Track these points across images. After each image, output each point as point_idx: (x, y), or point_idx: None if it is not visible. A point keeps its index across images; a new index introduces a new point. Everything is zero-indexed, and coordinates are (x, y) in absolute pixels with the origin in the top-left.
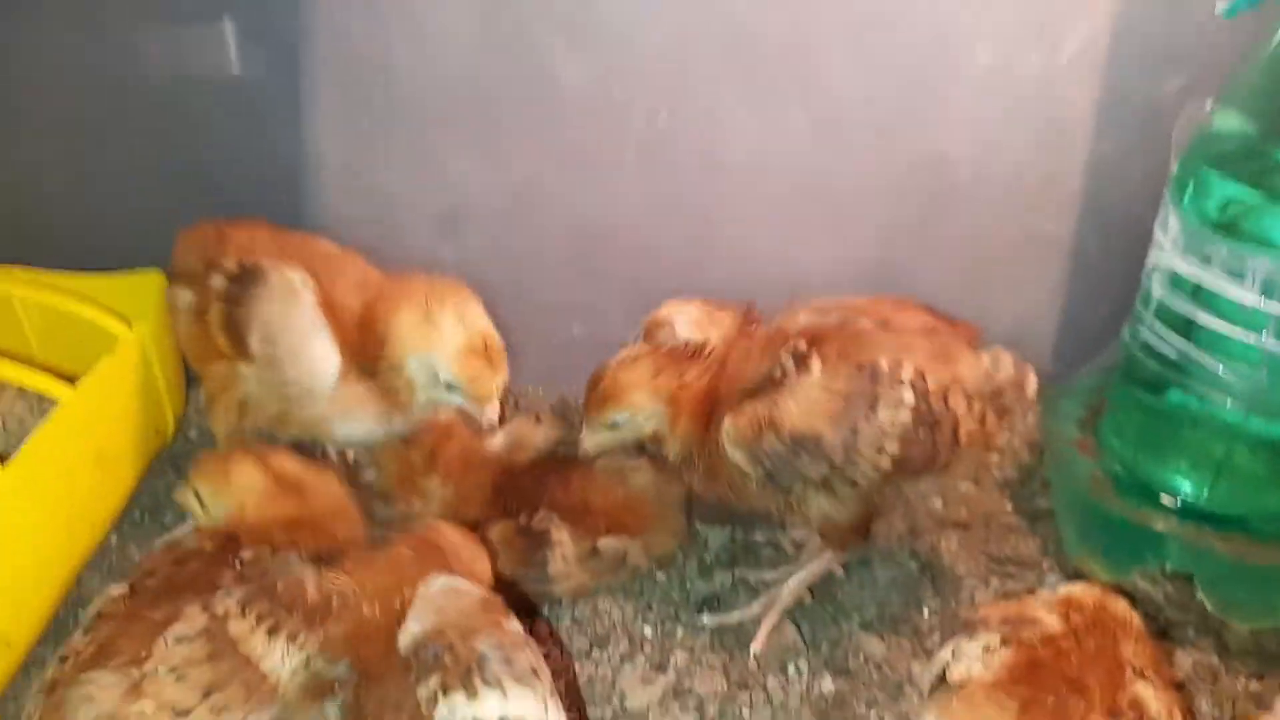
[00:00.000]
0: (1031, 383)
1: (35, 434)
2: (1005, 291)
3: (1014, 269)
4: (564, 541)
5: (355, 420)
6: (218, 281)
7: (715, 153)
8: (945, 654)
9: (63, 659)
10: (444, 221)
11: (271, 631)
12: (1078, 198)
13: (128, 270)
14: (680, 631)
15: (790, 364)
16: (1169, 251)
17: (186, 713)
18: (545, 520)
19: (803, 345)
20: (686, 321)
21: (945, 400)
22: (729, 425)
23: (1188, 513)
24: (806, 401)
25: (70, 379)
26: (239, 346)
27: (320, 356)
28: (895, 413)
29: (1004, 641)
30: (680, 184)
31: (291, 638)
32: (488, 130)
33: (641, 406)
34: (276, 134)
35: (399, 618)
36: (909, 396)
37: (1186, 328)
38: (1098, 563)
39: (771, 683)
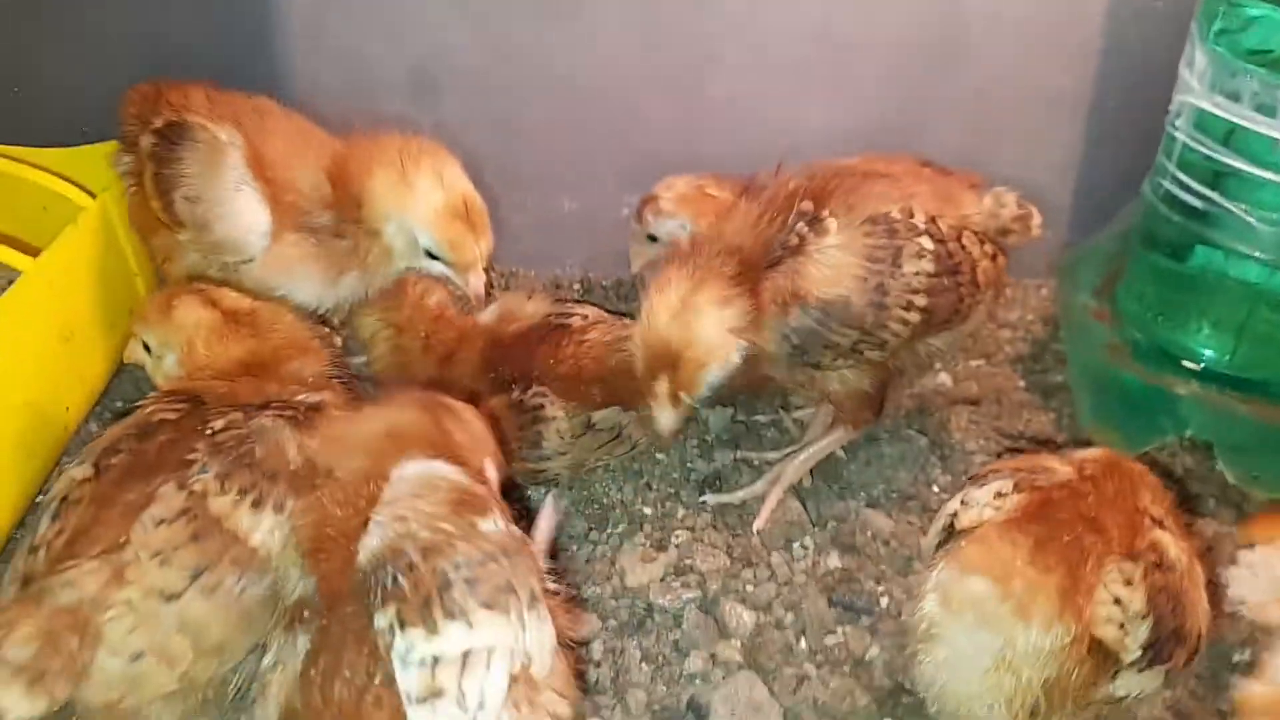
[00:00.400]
0: (1036, 219)
1: None
2: (1017, 153)
3: (1027, 127)
4: (559, 416)
5: (298, 283)
6: (147, 141)
7: (708, 3)
8: (953, 505)
9: (33, 550)
10: (419, 85)
11: (256, 504)
12: (1096, 44)
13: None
14: (681, 511)
15: (804, 228)
16: (1196, 90)
17: (176, 596)
18: (539, 396)
19: (809, 205)
20: (672, 197)
21: (960, 242)
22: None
23: (1209, 377)
24: (829, 266)
25: (34, 254)
26: (170, 210)
27: (246, 214)
28: (919, 263)
29: (1016, 487)
30: (672, 37)
31: (278, 508)
32: None
33: (737, 350)
34: None
35: (366, 516)
36: (929, 243)
37: (1213, 178)
38: (1114, 435)
39: (776, 559)
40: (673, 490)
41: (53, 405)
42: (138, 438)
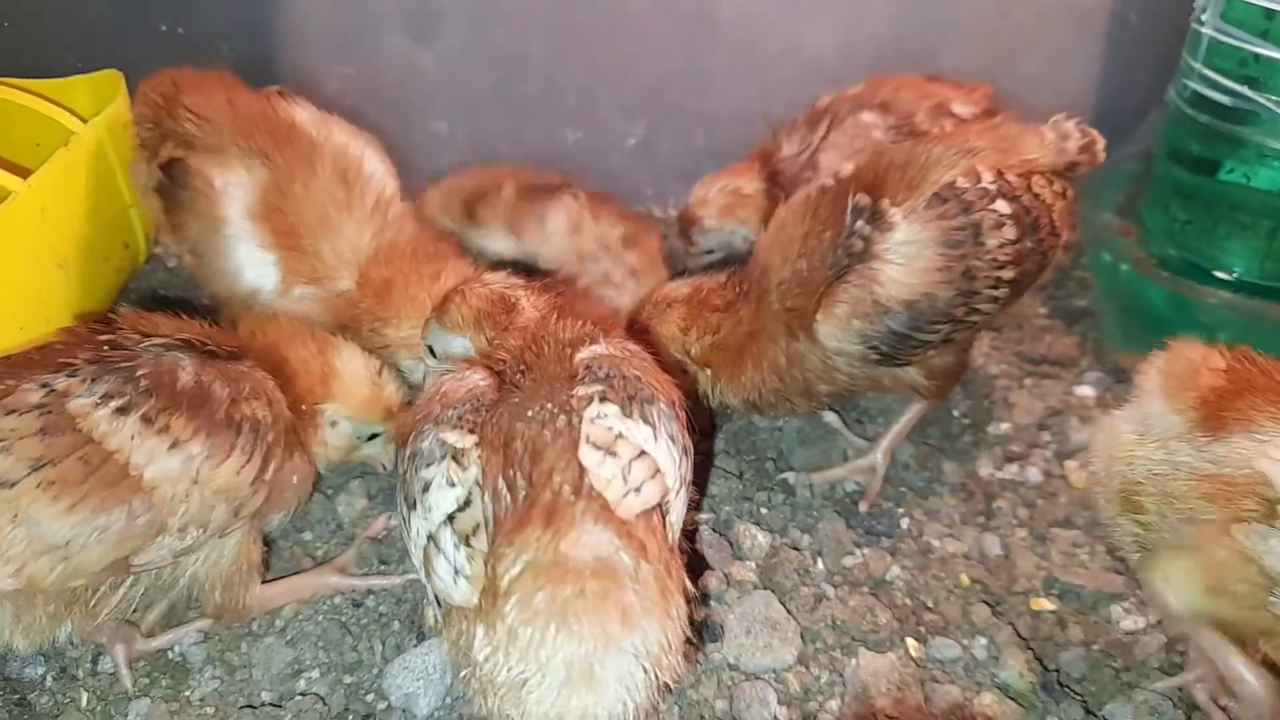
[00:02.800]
0: (1100, 143)
1: None
2: (1036, 72)
3: (1046, 45)
4: None
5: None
6: (154, 173)
7: None
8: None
9: None
10: (419, 16)
11: (122, 410)
12: None
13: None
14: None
15: (865, 227)
16: None
17: (11, 484)
18: None
19: (864, 199)
20: (714, 214)
21: (1033, 191)
22: (826, 325)
23: (1240, 287)
24: (907, 264)
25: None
26: (182, 260)
27: (247, 270)
28: (1000, 234)
29: None
30: None
31: (148, 420)
32: None
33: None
34: None
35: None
36: (1005, 206)
37: (1242, 76)
38: (1141, 354)
39: (793, 478)
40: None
41: (46, 332)
42: (39, 346)
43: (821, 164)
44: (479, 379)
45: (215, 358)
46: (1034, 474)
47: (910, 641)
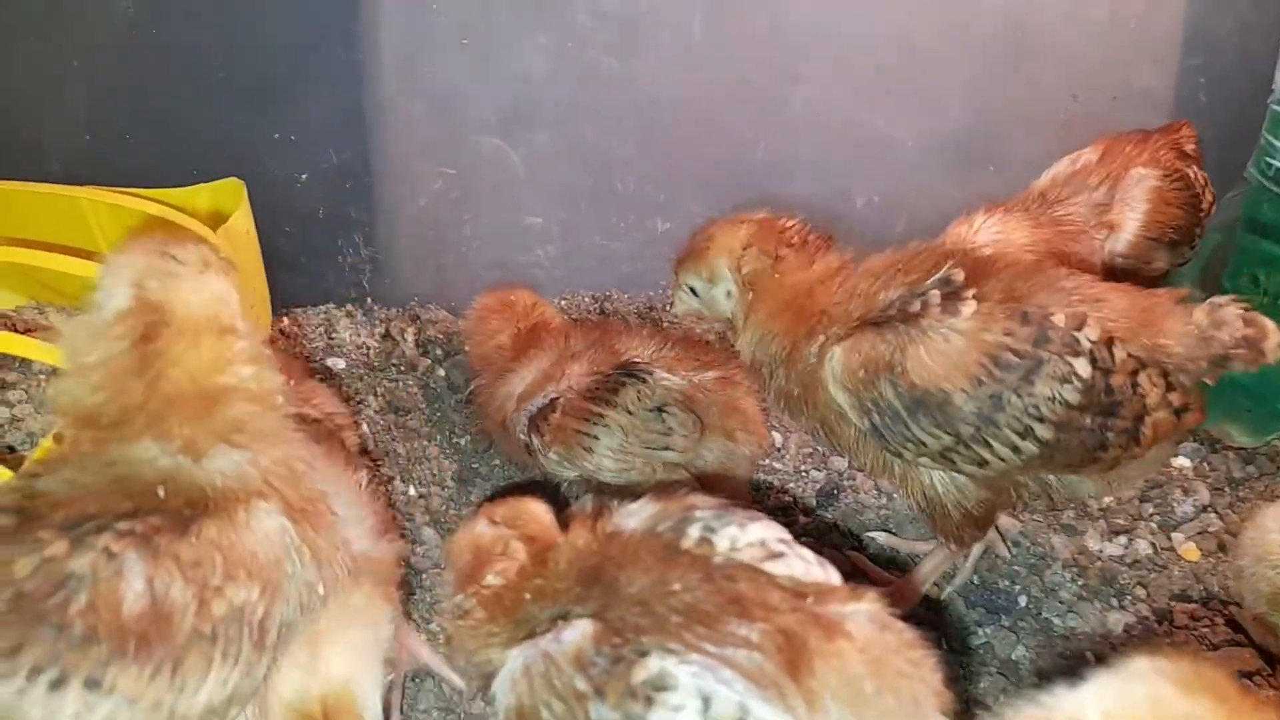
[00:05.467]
0: (1272, 339)
1: None
2: None
3: (1115, 129)
4: None
5: None
6: None
7: (785, 18)
8: None
9: None
10: (511, 118)
11: (57, 684)
12: (1181, 38)
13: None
14: (803, 519)
15: (934, 297)
16: None
17: None
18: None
19: (958, 275)
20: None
21: (1134, 380)
22: (837, 358)
23: None
24: (942, 351)
25: None
26: None
27: None
28: (1059, 388)
29: None
30: (752, 55)
31: (93, 684)
32: (549, 16)
33: (719, 275)
34: (332, 29)
35: None
36: (1084, 368)
37: None
38: (1236, 427)
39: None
40: (790, 499)
41: None
42: None
43: (1122, 222)
44: None
45: (165, 532)
46: (1142, 546)
47: None
